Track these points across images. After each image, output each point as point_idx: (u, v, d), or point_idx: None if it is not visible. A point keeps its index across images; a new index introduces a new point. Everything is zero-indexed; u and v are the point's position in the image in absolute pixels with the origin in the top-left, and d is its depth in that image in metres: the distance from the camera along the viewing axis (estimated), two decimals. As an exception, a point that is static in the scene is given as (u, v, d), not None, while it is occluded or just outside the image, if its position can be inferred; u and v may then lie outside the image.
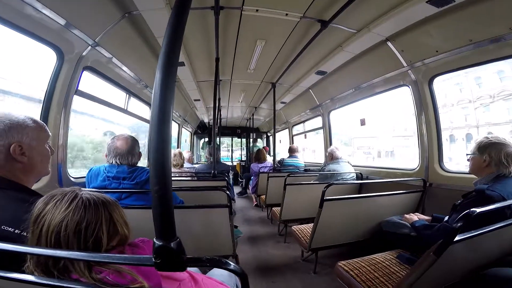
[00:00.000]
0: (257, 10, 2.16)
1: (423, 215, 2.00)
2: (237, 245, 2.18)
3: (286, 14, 2.20)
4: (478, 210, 0.92)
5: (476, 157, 1.51)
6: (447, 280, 1.17)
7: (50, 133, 1.02)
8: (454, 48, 2.05)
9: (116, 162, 1.57)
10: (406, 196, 2.27)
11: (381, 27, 2.17)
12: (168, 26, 0.54)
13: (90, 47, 1.99)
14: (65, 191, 0.72)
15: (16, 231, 0.75)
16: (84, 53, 1.98)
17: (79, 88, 2.05)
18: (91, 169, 1.66)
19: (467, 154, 1.62)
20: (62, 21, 1.65)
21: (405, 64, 2.49)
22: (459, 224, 0.89)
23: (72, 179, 2.05)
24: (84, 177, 1.73)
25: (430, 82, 2.39)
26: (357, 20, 2.23)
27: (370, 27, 2.23)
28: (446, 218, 1.61)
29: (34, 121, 0.94)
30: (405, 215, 1.98)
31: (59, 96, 1.88)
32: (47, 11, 1.53)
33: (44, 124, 0.99)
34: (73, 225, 0.66)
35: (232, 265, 0.59)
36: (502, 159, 1.40)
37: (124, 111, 3.02)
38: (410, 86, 2.57)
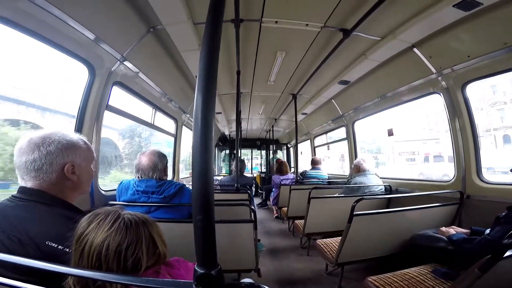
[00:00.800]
0: (276, 22, 2.17)
1: (460, 228, 1.88)
2: (259, 258, 2.14)
3: (307, 25, 2.19)
4: None
5: None
6: None
7: (95, 155, 1.09)
8: (488, 53, 1.93)
9: (138, 177, 1.63)
10: (440, 209, 2.13)
11: (407, 33, 2.09)
12: (203, 40, 0.55)
13: (118, 62, 2.06)
14: (108, 211, 0.74)
15: (60, 247, 0.77)
16: (113, 68, 2.06)
17: (109, 103, 2.13)
18: (122, 182, 1.74)
19: None
20: (91, 36, 1.72)
21: (434, 71, 2.37)
22: (509, 241, 0.82)
23: (103, 192, 2.11)
24: (114, 189, 1.80)
25: (463, 88, 2.26)
26: (380, 27, 2.18)
27: (395, 34, 2.16)
28: (488, 231, 1.51)
29: (85, 142, 1.02)
30: (441, 228, 1.87)
31: (91, 111, 1.94)
32: (78, 26, 1.59)
33: (91, 145, 1.06)
34: (115, 245, 0.68)
35: None
36: None
37: (151, 125, 3.13)
38: (441, 94, 2.43)
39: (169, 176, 3.77)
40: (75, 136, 0.98)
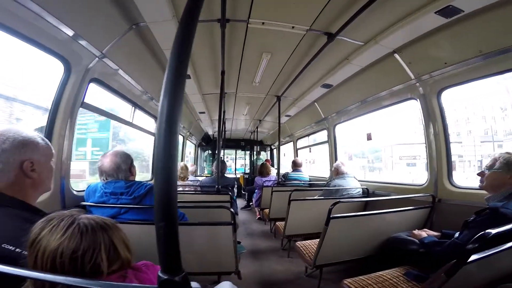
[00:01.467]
0: (263, 23, 2.17)
1: (432, 231, 1.95)
2: (240, 260, 2.13)
3: (293, 27, 2.21)
4: (494, 231, 0.89)
5: (500, 173, 1.47)
6: None
7: (53, 151, 1.06)
8: (463, 60, 2.00)
9: (104, 179, 1.59)
10: (414, 212, 2.20)
11: (389, 39, 2.15)
12: (176, 38, 0.54)
13: (97, 58, 2.00)
14: (63, 215, 0.70)
15: (17, 250, 0.74)
16: (91, 65, 1.99)
17: (85, 100, 2.05)
18: (89, 186, 1.69)
19: (483, 170, 1.58)
20: (70, 32, 1.66)
21: (412, 77, 2.44)
22: (474, 246, 0.87)
23: (74, 192, 2.03)
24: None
25: (439, 95, 2.34)
26: (364, 32, 2.23)
27: (378, 39, 2.22)
28: (457, 234, 1.57)
29: (42, 138, 0.98)
30: (414, 231, 1.93)
31: (64, 108, 1.86)
32: (56, 22, 1.53)
33: (49, 142, 1.03)
34: (69, 252, 0.64)
35: None
36: None
37: (130, 124, 3.04)
38: (418, 100, 2.52)
39: (148, 177, 3.66)
40: (31, 133, 0.95)
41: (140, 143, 5.07)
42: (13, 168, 0.86)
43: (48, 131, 1.81)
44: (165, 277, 0.48)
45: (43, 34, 1.55)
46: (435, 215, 2.27)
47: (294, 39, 2.43)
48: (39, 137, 0.97)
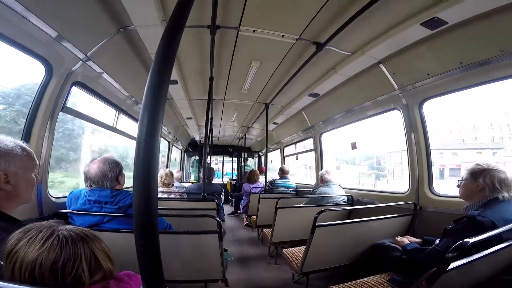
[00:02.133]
0: (254, 31, 2.19)
1: (414, 237, 2.00)
2: (227, 268, 2.10)
3: (283, 36, 2.24)
4: (471, 240, 0.93)
5: (469, 183, 1.56)
6: None
7: (37, 162, 1.04)
8: (445, 71, 2.07)
9: (88, 186, 1.53)
10: (397, 219, 2.26)
11: (375, 49, 2.22)
12: (161, 41, 0.53)
13: (81, 61, 1.94)
14: (41, 226, 0.69)
15: None
16: (74, 68, 1.92)
17: (66, 105, 1.97)
18: (72, 192, 1.62)
19: (458, 180, 1.67)
20: (54, 34, 1.61)
21: (396, 87, 2.52)
22: (453, 254, 0.90)
23: (53, 199, 1.92)
24: (66, 196, 1.66)
25: (421, 105, 2.43)
26: (351, 42, 2.29)
27: (364, 50, 2.28)
28: (437, 241, 1.62)
29: (23, 149, 0.95)
30: (396, 238, 1.97)
31: (44, 111, 1.78)
32: (39, 23, 1.48)
33: (32, 152, 1.01)
34: (48, 264, 0.63)
35: None
36: (496, 184, 1.45)
37: (113, 129, 2.96)
38: (401, 110, 2.60)
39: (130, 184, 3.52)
40: (11, 143, 0.92)
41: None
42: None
43: (26, 134, 1.73)
44: None
45: (24, 35, 1.49)
46: (417, 222, 2.34)
47: (283, 48, 2.47)
48: (19, 147, 0.94)
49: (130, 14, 1.79)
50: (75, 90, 2.09)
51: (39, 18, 1.45)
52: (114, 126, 2.96)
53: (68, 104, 2.00)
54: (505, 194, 1.42)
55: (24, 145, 0.98)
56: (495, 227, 1.25)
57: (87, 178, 1.52)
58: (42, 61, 1.71)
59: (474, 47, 1.84)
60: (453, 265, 0.90)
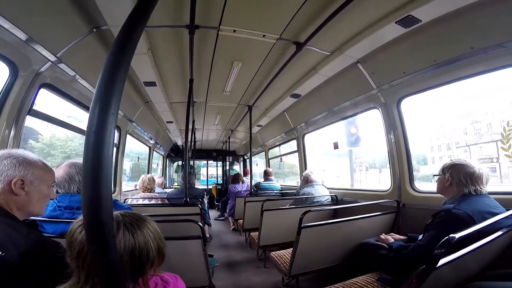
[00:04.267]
0: (234, 31, 2.15)
1: (399, 235, 2.01)
2: (214, 273, 2.03)
3: (264, 36, 2.23)
4: (458, 235, 0.92)
5: (440, 177, 1.64)
6: None
7: (55, 179, 1.14)
8: (420, 69, 2.13)
9: (55, 192, 1.42)
10: (382, 217, 2.28)
11: (353, 49, 2.25)
12: (116, 39, 0.51)
13: (50, 63, 1.83)
14: None
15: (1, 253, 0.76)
16: (42, 69, 1.81)
17: (34, 108, 1.85)
18: None
19: (434, 175, 1.73)
20: (23, 36, 1.52)
21: (374, 87, 2.57)
22: (440, 250, 0.88)
23: None
24: None
25: (398, 104, 2.48)
26: (330, 42, 2.31)
27: (342, 49, 2.31)
28: (420, 237, 1.64)
29: (44, 164, 1.03)
30: (381, 236, 1.99)
31: (8, 114, 1.66)
32: (6, 24, 1.40)
33: (53, 170, 1.09)
34: (128, 253, 0.66)
35: None
36: (462, 178, 1.51)
37: (84, 132, 2.80)
38: (379, 109, 2.65)
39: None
40: (34, 156, 1.01)
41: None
42: (3, 181, 0.91)
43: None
44: None
45: None
46: (401, 220, 2.37)
47: (264, 48, 2.45)
48: (40, 162, 1.01)
49: (104, 13, 1.71)
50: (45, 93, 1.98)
51: (8, 20, 1.38)
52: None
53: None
54: (474, 188, 1.47)
55: (47, 163, 1.05)
56: (471, 218, 1.29)
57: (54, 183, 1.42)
58: (6, 61, 1.60)
59: (447, 45, 1.90)
60: (442, 261, 0.89)
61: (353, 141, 4.11)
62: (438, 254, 0.87)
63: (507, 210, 1.34)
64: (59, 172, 1.42)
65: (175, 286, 0.82)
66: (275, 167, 6.75)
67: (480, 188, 1.48)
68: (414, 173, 2.47)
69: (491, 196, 1.51)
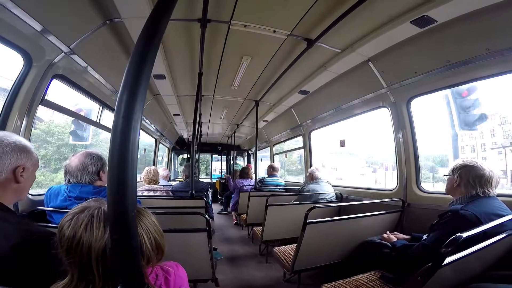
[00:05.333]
0: (245, 26, 2.15)
1: (402, 234, 2.02)
2: (217, 267, 2.06)
3: (274, 31, 2.22)
4: (465, 235, 0.93)
5: (450, 177, 1.63)
6: None
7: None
8: (432, 70, 2.11)
9: (68, 180, 1.45)
10: (386, 216, 2.28)
11: (365, 47, 2.23)
12: (143, 31, 0.51)
13: (63, 54, 1.86)
14: (88, 209, 0.66)
15: None
16: (55, 60, 1.84)
17: (46, 98, 1.88)
18: (51, 188, 1.53)
19: (444, 175, 1.72)
20: (38, 26, 1.54)
21: (384, 85, 2.55)
22: (447, 249, 0.89)
23: (30, 196, 1.82)
24: (43, 194, 1.57)
25: (408, 103, 2.46)
26: (342, 39, 2.29)
27: (354, 47, 2.29)
28: (425, 237, 1.65)
29: (33, 148, 1.03)
30: (384, 235, 1.99)
31: (21, 104, 1.69)
32: (23, 15, 1.42)
33: None
34: None
35: None
36: (470, 180, 1.50)
37: (97, 124, 2.85)
38: (389, 108, 2.63)
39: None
40: (25, 141, 1.00)
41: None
42: (7, 171, 0.90)
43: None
44: None
45: (5, 26, 1.42)
46: (405, 219, 2.37)
47: (274, 44, 2.44)
48: (31, 146, 1.01)
49: (118, 6, 1.73)
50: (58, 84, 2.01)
51: (24, 10, 1.40)
52: (98, 121, 2.84)
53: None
54: (482, 190, 1.47)
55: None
56: (478, 220, 1.30)
57: (66, 172, 1.44)
58: (21, 52, 1.62)
59: (461, 46, 1.88)
60: (448, 260, 0.90)
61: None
62: (445, 252, 0.88)
63: None
64: (74, 161, 1.44)
65: (176, 275, 0.81)
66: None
67: (489, 190, 1.47)
68: (435, 174, 2.45)
69: (499, 198, 1.50)
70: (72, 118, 3.21)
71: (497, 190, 1.52)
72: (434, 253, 0.91)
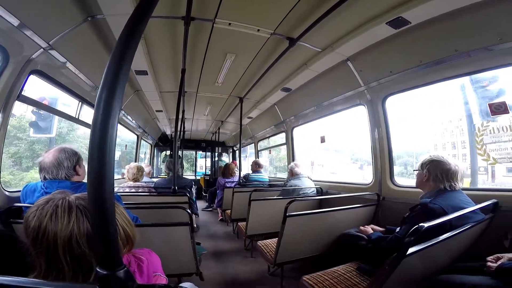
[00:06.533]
0: (229, 24, 2.16)
1: (378, 226, 2.11)
2: (201, 261, 2.09)
3: (258, 30, 2.25)
4: (426, 225, 0.98)
5: (419, 172, 1.72)
6: None
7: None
8: (406, 69, 2.22)
9: (43, 177, 1.43)
10: (362, 209, 2.39)
11: (344, 46, 2.30)
12: (125, 28, 0.53)
13: (42, 49, 1.81)
14: (54, 200, 0.68)
15: None
16: (33, 56, 1.79)
17: (23, 93, 1.83)
18: (27, 185, 1.50)
19: (414, 170, 1.82)
20: (14, 21, 1.48)
21: (362, 84, 2.65)
22: (410, 239, 0.95)
23: (6, 193, 1.77)
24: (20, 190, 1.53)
25: (383, 101, 2.58)
26: (322, 39, 2.35)
27: (334, 47, 2.36)
28: (398, 229, 1.73)
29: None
30: (360, 227, 2.07)
31: None
32: (1, 11, 1.38)
33: None
34: (84, 237, 0.63)
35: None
36: (438, 174, 1.59)
37: (75, 120, 2.77)
38: (365, 105, 2.75)
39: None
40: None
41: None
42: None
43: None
44: (105, 272, 0.46)
45: None
46: (381, 212, 2.50)
47: (258, 42, 2.47)
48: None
49: (100, 2, 1.70)
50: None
51: (1, 5, 1.35)
52: (77, 117, 2.77)
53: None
54: (449, 184, 1.56)
55: None
56: (444, 213, 1.37)
57: (41, 169, 1.42)
58: None
59: (433, 47, 1.98)
60: (412, 249, 0.96)
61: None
62: (408, 242, 0.94)
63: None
64: (48, 157, 1.42)
65: (149, 261, 0.82)
66: (263, 161, 6.81)
67: (455, 184, 1.56)
68: (410, 168, 2.54)
69: (464, 192, 1.60)
70: (31, 108, 3.03)
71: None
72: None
